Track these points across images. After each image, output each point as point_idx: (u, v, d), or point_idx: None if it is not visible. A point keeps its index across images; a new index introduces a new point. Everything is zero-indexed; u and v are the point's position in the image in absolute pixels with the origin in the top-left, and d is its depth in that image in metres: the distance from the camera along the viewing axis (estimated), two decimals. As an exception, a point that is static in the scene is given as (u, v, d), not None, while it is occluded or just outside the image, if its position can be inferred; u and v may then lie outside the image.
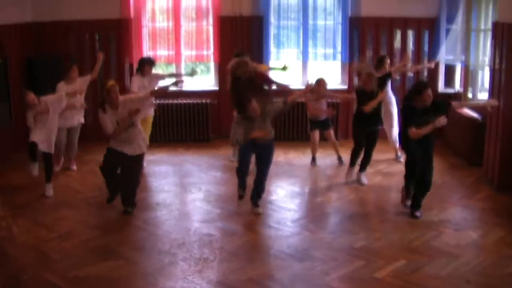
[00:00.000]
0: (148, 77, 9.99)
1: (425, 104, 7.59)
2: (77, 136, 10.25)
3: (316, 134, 10.42)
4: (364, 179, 9.51)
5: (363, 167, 9.58)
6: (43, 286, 6.09)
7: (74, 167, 10.32)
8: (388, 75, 9.99)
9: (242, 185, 8.43)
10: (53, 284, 6.10)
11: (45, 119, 8.72)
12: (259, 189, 8.31)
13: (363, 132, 9.39)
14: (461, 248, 6.97)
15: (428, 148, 7.86)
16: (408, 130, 7.65)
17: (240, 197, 8.46)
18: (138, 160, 8.28)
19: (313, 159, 10.56)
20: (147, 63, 10.02)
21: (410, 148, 7.93)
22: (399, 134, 8.69)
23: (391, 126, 10.55)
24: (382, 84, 9.64)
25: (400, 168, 8.33)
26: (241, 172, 8.35)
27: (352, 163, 9.61)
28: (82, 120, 10.19)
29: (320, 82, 10.04)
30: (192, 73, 10.56)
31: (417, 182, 7.99)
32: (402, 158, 10.50)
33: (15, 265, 6.57)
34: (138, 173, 8.43)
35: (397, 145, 10.52)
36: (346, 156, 9.96)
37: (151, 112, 10.26)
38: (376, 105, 9.20)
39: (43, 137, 8.72)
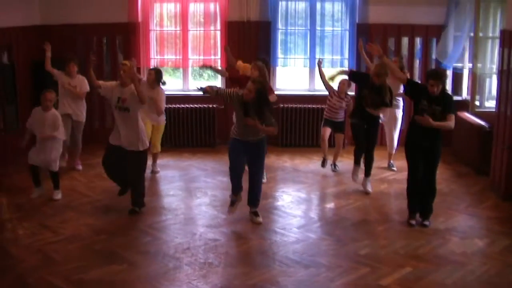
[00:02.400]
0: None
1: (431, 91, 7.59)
2: (80, 132, 10.34)
3: (327, 131, 10.27)
4: (369, 186, 9.40)
5: (367, 172, 9.47)
6: (48, 289, 6.10)
7: (80, 167, 10.38)
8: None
9: (235, 188, 8.01)
10: (57, 287, 6.09)
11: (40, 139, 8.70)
12: (254, 195, 8.11)
13: (362, 128, 9.30)
14: (467, 256, 6.94)
15: (432, 158, 7.85)
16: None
17: (232, 203, 8.08)
18: (135, 156, 8.16)
19: (324, 161, 10.45)
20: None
21: (410, 154, 7.94)
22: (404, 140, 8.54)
23: (392, 129, 10.47)
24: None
25: (404, 175, 8.33)
26: (235, 171, 7.96)
27: (357, 161, 9.56)
28: (82, 118, 10.29)
29: (343, 83, 10.16)
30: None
31: (423, 190, 7.97)
32: (395, 167, 10.45)
33: (20, 267, 6.56)
34: (139, 170, 8.31)
35: (393, 151, 10.49)
36: (348, 161, 9.97)
37: (162, 121, 10.29)
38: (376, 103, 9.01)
39: (41, 158, 8.68)
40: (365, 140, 9.35)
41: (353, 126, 9.50)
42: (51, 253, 6.92)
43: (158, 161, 10.62)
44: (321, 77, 10.17)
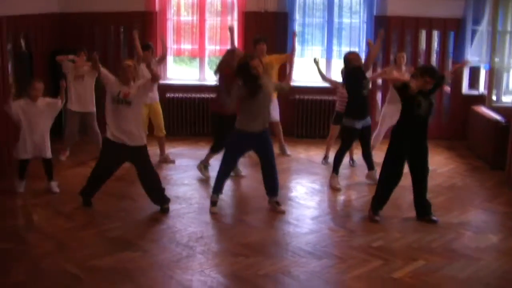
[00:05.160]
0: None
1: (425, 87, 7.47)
2: (96, 122, 10.19)
3: (337, 130, 9.96)
4: (377, 175, 8.88)
5: (371, 166, 9.37)
6: (61, 275, 6.13)
7: None
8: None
9: (219, 188, 8.09)
10: (70, 273, 6.14)
11: (31, 126, 8.44)
12: (274, 183, 8.10)
13: (356, 129, 9.04)
14: (480, 251, 6.91)
15: (422, 156, 7.75)
16: None
17: (214, 203, 8.07)
18: (142, 154, 7.88)
19: (325, 157, 10.45)
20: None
21: (399, 153, 7.74)
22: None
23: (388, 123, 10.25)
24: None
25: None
26: (224, 173, 8.07)
27: (337, 169, 9.26)
28: (93, 108, 10.19)
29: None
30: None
31: (418, 188, 7.90)
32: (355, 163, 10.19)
33: (34, 253, 6.62)
34: (151, 166, 8.05)
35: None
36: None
37: (155, 98, 10.16)
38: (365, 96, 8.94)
39: (33, 146, 8.52)
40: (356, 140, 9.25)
41: (346, 128, 9.15)
42: (65, 240, 6.97)
43: (173, 150, 10.64)
44: (321, 76, 10.14)
